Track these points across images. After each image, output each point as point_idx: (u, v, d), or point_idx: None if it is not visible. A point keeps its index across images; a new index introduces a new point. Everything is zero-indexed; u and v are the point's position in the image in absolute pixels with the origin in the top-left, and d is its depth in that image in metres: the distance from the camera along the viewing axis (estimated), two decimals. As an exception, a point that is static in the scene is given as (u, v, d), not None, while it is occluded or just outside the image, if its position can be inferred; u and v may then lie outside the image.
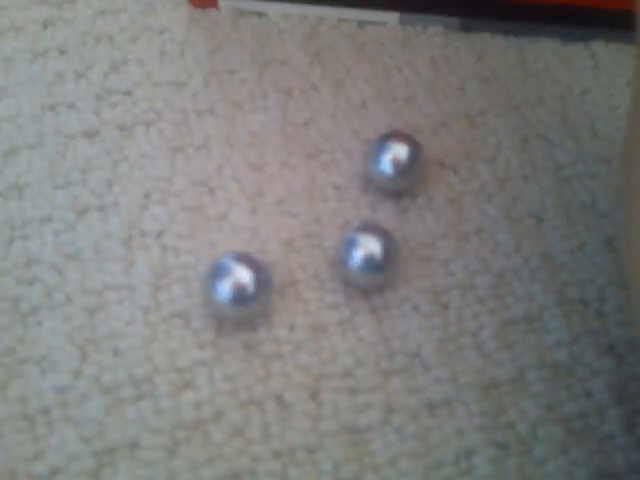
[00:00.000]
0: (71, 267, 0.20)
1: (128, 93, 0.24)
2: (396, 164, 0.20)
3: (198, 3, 0.25)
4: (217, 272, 0.18)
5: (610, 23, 0.24)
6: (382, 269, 0.19)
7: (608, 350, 0.19)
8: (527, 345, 0.19)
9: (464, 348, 0.19)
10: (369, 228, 0.19)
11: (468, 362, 0.19)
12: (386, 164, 0.21)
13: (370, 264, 0.19)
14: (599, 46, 0.24)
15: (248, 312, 0.18)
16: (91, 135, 0.23)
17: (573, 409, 0.18)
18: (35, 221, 0.21)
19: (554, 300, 0.20)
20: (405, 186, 0.21)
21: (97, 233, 0.21)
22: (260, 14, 0.25)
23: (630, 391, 0.18)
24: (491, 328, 0.19)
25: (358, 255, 0.19)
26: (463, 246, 0.21)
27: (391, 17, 0.25)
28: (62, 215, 0.21)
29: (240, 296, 0.18)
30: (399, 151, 0.20)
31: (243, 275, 0.18)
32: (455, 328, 0.19)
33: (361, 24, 0.25)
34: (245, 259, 0.18)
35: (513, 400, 0.18)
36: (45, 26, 0.25)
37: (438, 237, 0.21)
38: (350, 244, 0.19)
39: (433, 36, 0.25)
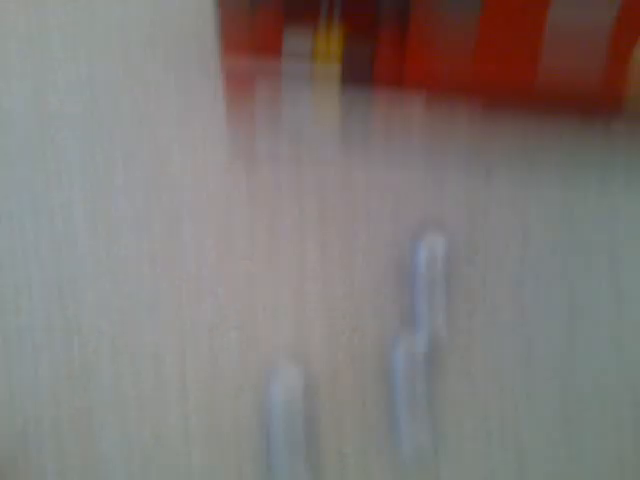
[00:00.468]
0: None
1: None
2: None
3: (235, 88, 0.27)
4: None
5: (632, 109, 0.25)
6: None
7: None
8: None
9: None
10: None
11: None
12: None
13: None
14: (619, 128, 0.26)
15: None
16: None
17: None
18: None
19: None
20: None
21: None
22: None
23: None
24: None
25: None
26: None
27: (417, 102, 0.26)
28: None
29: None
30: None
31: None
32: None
33: (389, 108, 0.26)
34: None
35: None
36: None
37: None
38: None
39: (458, 121, 0.26)
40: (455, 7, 0.22)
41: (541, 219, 0.23)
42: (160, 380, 0.20)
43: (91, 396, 0.20)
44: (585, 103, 0.25)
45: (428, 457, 0.19)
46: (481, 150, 0.25)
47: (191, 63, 0.27)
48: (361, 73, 0.26)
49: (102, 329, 0.21)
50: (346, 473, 0.19)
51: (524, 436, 0.19)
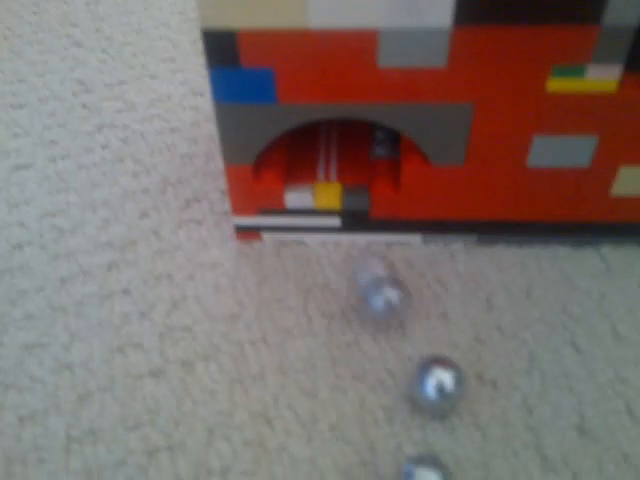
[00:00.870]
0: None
1: (188, 329, 0.26)
2: (441, 390, 0.22)
3: (245, 237, 0.29)
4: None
5: (616, 230, 0.27)
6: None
7: None
8: None
9: None
10: (425, 461, 0.21)
11: None
12: (432, 391, 0.22)
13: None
14: (607, 248, 0.27)
15: None
16: (157, 374, 0.25)
17: None
18: (110, 466, 0.23)
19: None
20: (450, 408, 0.23)
21: (167, 475, 0.23)
22: (299, 243, 0.28)
23: None
24: None
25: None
26: (514, 464, 0.22)
27: (414, 238, 0.28)
28: (134, 458, 0.23)
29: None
30: (443, 378, 0.22)
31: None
32: None
33: (389, 245, 0.28)
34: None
35: None
36: (110, 269, 0.28)
37: (489, 455, 0.22)
38: (406, 478, 0.21)
39: (455, 251, 0.28)
40: (441, 159, 0.24)
41: (544, 340, 0.24)
42: None
43: None
44: (574, 222, 0.27)
45: None
46: (480, 279, 0.26)
47: (205, 221, 0.29)
48: (360, 220, 0.28)
49: None
50: None
51: None
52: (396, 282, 0.24)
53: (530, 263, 0.26)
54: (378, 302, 0.23)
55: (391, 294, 0.23)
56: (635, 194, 0.25)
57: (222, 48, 0.21)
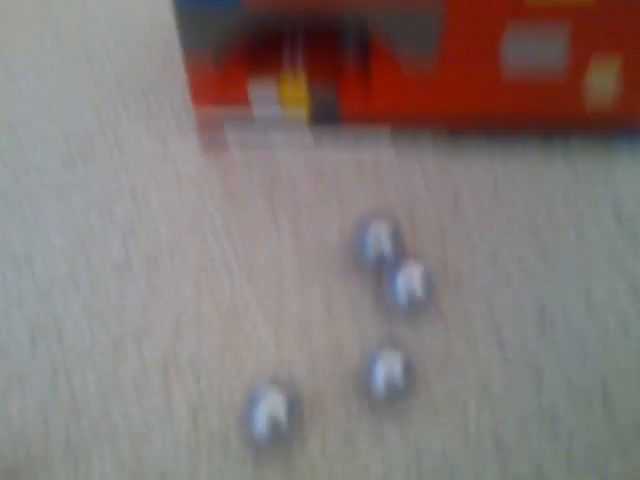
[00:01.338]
0: (113, 399, 0.22)
1: (150, 223, 0.26)
2: (411, 298, 0.23)
3: (207, 132, 0.28)
4: (252, 401, 0.20)
5: (584, 130, 0.27)
6: (403, 384, 0.21)
7: (618, 437, 0.21)
8: (543, 437, 0.21)
9: (485, 446, 0.21)
10: (388, 345, 0.21)
11: (491, 460, 0.21)
12: (402, 296, 0.23)
13: (392, 382, 0.21)
14: (577, 145, 0.27)
15: (283, 434, 0.20)
16: (120, 267, 0.25)
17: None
18: (76, 357, 0.23)
19: (563, 391, 0.22)
20: (419, 308, 0.23)
21: (135, 364, 0.23)
22: (264, 139, 0.28)
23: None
24: (508, 424, 0.21)
25: (380, 374, 0.21)
26: (475, 347, 0.23)
27: (383, 132, 0.28)
28: (100, 349, 0.23)
29: (275, 423, 0.20)
30: (413, 277, 0.23)
31: (276, 401, 0.20)
32: (475, 427, 0.21)
33: (357, 140, 0.28)
34: (276, 384, 0.20)
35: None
36: (65, 165, 0.27)
37: (451, 341, 0.23)
38: (372, 363, 0.21)
39: (423, 150, 0.27)
40: (412, 48, 0.23)
41: (510, 237, 0.25)
42: (146, 406, 0.21)
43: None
44: (545, 122, 0.27)
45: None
46: (448, 174, 0.26)
47: (163, 114, 0.28)
48: (328, 113, 0.27)
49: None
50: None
51: (502, 430, 0.20)
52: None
53: (498, 161, 0.26)
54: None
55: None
56: (607, 87, 0.25)
57: None
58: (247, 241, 0.24)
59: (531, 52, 0.24)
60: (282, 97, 0.26)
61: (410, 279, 0.22)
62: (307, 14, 0.22)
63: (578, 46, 0.24)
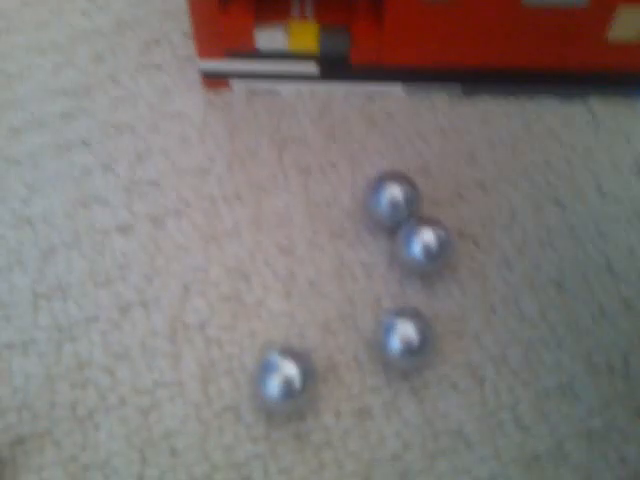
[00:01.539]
0: (121, 367, 0.21)
1: (155, 184, 0.25)
2: (427, 252, 0.22)
3: (212, 85, 0.26)
4: (265, 370, 0.19)
5: (605, 81, 0.26)
6: (419, 353, 0.20)
7: (638, 414, 0.20)
8: (562, 415, 0.20)
9: (503, 423, 0.20)
10: (404, 313, 0.21)
11: (509, 437, 0.20)
12: (418, 251, 0.22)
13: (409, 349, 0.20)
14: (596, 102, 0.26)
15: (296, 404, 0.20)
16: (125, 229, 0.24)
17: (611, 478, 0.20)
18: (81, 322, 0.22)
19: (582, 367, 0.21)
20: (434, 269, 0.22)
21: (142, 330, 0.22)
22: (272, 92, 0.26)
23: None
24: (527, 400, 0.21)
25: (396, 342, 0.20)
26: (491, 318, 0.22)
27: (396, 89, 0.26)
28: (107, 314, 0.22)
29: (288, 391, 0.19)
30: (429, 238, 0.22)
31: (290, 371, 0.19)
32: (493, 403, 0.21)
33: (369, 96, 0.26)
34: (290, 354, 0.20)
35: (554, 473, 0.20)
36: (64, 118, 0.26)
37: (467, 310, 0.22)
38: (388, 331, 0.20)
39: (438, 103, 0.26)
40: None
41: (528, 199, 0.24)
42: (155, 376, 0.20)
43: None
44: (565, 59, 0.25)
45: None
46: (463, 132, 0.25)
47: (167, 67, 0.26)
48: (339, 66, 0.25)
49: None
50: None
51: (521, 407, 0.20)
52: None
53: (515, 116, 0.25)
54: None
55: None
56: (632, 38, 0.23)
57: None
58: (256, 202, 0.23)
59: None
60: (291, 46, 0.24)
61: (426, 240, 0.21)
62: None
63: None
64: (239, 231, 0.23)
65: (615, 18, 0.23)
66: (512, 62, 0.24)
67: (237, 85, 0.26)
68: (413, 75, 0.25)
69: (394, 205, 0.22)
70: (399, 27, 0.23)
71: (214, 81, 0.25)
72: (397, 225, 0.22)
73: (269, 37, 0.24)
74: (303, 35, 0.24)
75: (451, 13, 0.23)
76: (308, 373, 0.19)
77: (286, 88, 0.26)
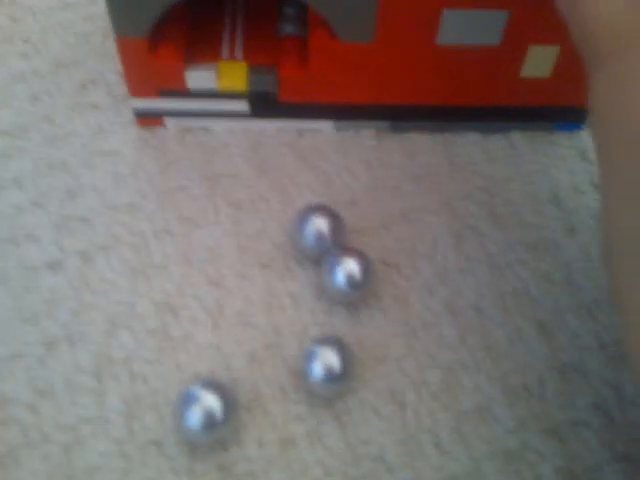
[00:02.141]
0: (45, 403, 0.21)
1: (86, 220, 0.25)
2: (350, 280, 0.22)
3: (146, 123, 0.27)
4: (186, 401, 0.19)
5: (526, 116, 0.27)
6: (341, 379, 0.21)
7: (552, 433, 0.21)
8: (480, 436, 0.21)
9: (423, 446, 0.21)
10: (326, 340, 0.21)
11: (428, 460, 0.21)
12: (341, 282, 0.22)
13: (330, 376, 0.20)
14: (516, 135, 0.27)
15: (219, 435, 0.20)
16: (54, 266, 0.24)
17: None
18: (5, 359, 0.22)
19: (500, 389, 0.22)
20: (358, 298, 0.23)
21: (67, 366, 0.22)
22: (206, 129, 0.27)
23: (576, 473, 0.20)
24: (446, 423, 0.21)
25: (318, 369, 0.21)
26: (413, 343, 0.23)
27: (326, 125, 0.27)
28: (32, 350, 0.22)
29: (210, 422, 0.19)
30: (352, 267, 0.22)
31: (211, 401, 0.19)
32: (414, 427, 0.21)
33: (300, 132, 0.27)
34: (211, 385, 0.20)
35: (471, 495, 0.20)
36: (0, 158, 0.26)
37: (390, 336, 0.23)
38: (309, 358, 0.21)
39: (366, 139, 0.27)
40: (349, 34, 0.23)
41: (450, 231, 0.25)
42: (79, 411, 0.20)
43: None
44: (482, 95, 0.26)
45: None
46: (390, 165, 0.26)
47: (101, 106, 0.27)
48: (268, 104, 0.26)
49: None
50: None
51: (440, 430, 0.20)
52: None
53: (439, 150, 0.26)
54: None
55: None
56: (543, 76, 0.25)
57: None
58: (186, 235, 0.24)
59: (468, 32, 0.24)
60: (221, 85, 0.25)
61: (350, 269, 0.21)
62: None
63: (516, 33, 0.24)
64: (168, 265, 0.23)
65: (527, 56, 0.25)
66: (434, 100, 0.26)
67: (170, 123, 0.26)
68: (342, 112, 0.26)
69: (319, 236, 0.23)
70: (323, 67, 0.24)
71: (148, 119, 0.26)
72: (323, 255, 0.23)
73: (199, 77, 0.25)
74: (233, 75, 0.25)
75: (371, 53, 0.24)
76: (230, 403, 0.19)
77: (219, 125, 0.27)
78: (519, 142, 0.27)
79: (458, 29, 0.24)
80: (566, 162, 0.26)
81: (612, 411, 0.21)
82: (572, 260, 0.24)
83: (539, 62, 0.25)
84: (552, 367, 0.22)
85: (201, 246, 0.24)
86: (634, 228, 0.14)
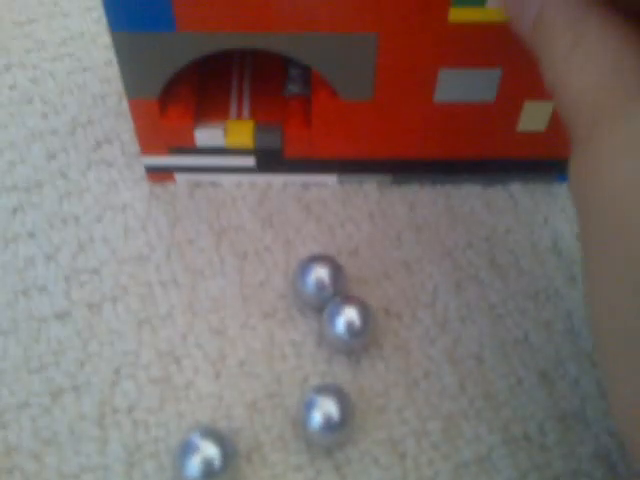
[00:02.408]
0: (48, 452, 0.22)
1: (96, 272, 0.26)
2: (351, 329, 0.23)
3: (156, 179, 0.28)
4: (185, 450, 0.20)
5: (525, 168, 0.28)
6: (341, 428, 0.21)
7: (554, 484, 0.21)
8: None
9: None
10: (325, 389, 0.21)
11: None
12: (341, 330, 0.23)
13: (329, 425, 0.21)
14: (516, 187, 0.28)
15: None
16: (62, 316, 0.25)
17: None
18: (12, 408, 0.23)
19: (500, 438, 0.22)
20: (359, 346, 0.23)
21: (72, 414, 0.23)
22: (214, 184, 0.28)
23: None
24: (446, 473, 0.21)
25: (317, 417, 0.21)
26: (413, 392, 0.23)
27: (330, 179, 0.28)
28: (38, 400, 0.23)
29: (208, 472, 0.19)
30: (352, 316, 0.23)
31: (210, 451, 0.20)
32: (413, 477, 0.21)
33: (305, 186, 0.28)
34: (211, 434, 0.20)
35: None
36: (14, 212, 0.27)
37: (390, 385, 0.23)
38: (309, 407, 0.21)
39: (369, 191, 0.28)
40: (350, 93, 0.24)
41: (451, 280, 0.25)
42: (81, 460, 0.21)
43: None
44: (480, 148, 0.27)
45: None
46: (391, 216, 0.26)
47: (115, 163, 0.28)
48: (274, 159, 0.27)
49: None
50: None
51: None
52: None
53: (440, 202, 0.27)
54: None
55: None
56: (539, 130, 0.26)
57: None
58: (192, 286, 0.24)
59: (464, 90, 0.25)
60: (228, 143, 0.27)
61: (350, 318, 0.22)
62: (239, 40, 0.23)
63: (510, 90, 0.25)
64: (173, 315, 0.24)
65: (522, 112, 0.26)
66: (434, 153, 0.27)
67: (181, 178, 0.28)
68: (345, 166, 0.27)
69: (320, 285, 0.23)
70: (325, 124, 0.26)
71: (159, 175, 0.27)
72: (324, 305, 0.23)
73: (208, 136, 0.26)
74: (240, 133, 0.26)
75: (372, 110, 0.25)
76: (229, 453, 0.19)
77: (227, 179, 0.28)
78: (519, 193, 0.27)
79: (454, 87, 0.25)
80: (566, 212, 0.27)
81: (614, 461, 0.21)
82: (573, 309, 0.24)
83: (534, 117, 0.26)
84: (553, 416, 0.22)
85: (206, 296, 0.24)
86: (613, 307, 0.14)
